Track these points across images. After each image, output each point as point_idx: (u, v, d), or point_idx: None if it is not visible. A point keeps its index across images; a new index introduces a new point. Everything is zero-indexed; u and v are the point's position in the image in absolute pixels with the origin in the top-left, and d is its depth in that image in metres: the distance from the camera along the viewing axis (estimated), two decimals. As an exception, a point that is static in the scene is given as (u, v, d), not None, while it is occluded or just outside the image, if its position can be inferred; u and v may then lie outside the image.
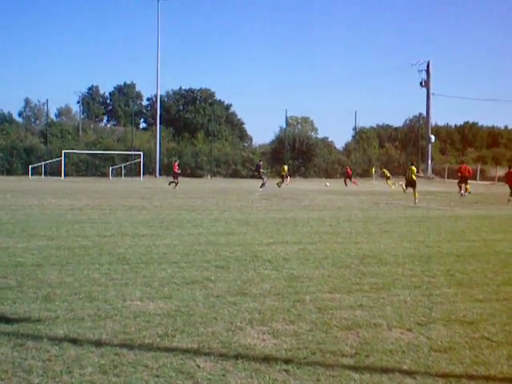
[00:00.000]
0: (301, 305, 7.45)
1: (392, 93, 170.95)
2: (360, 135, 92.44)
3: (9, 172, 65.97)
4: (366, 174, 76.85)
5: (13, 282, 8.37)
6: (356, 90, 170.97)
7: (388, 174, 55.38)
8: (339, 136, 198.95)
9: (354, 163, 79.82)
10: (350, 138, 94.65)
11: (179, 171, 45.83)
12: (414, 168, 31.87)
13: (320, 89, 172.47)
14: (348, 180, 55.60)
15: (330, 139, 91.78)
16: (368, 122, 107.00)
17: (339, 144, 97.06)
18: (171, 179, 45.30)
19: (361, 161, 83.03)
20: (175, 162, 49.53)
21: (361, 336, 6.21)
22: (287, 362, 5.37)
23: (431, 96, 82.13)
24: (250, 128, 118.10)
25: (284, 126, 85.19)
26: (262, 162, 50.18)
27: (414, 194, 29.91)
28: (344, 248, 12.51)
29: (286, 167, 53.28)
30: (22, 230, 14.35)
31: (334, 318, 6.88)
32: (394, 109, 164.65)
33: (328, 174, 76.46)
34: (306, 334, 6.23)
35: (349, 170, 59.51)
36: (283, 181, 49.84)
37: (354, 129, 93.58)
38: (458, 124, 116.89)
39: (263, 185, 41.99)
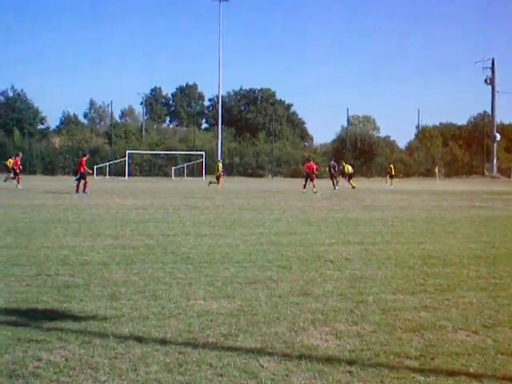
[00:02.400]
0: (364, 306, 7.40)
1: (456, 91, 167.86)
2: (423, 134, 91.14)
3: (75, 173, 67.23)
4: (429, 173, 75.79)
5: (80, 281, 8.54)
6: (419, 89, 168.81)
7: (393, 172, 53.92)
8: (401, 135, 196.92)
9: (417, 162, 78.88)
10: (412, 137, 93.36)
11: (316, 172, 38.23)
12: None
13: (382, 88, 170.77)
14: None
15: (392, 138, 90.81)
16: (431, 120, 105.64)
17: (402, 143, 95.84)
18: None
19: (423, 160, 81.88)
20: (308, 161, 40.10)
21: (425, 338, 6.12)
22: (351, 363, 5.34)
23: (496, 94, 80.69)
24: (310, 127, 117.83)
25: (345, 125, 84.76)
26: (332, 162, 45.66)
27: None
28: (407, 248, 12.36)
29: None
30: (87, 229, 14.63)
31: (397, 319, 6.81)
32: (458, 107, 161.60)
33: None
34: (369, 335, 6.18)
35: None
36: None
37: (417, 127, 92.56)
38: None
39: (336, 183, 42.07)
